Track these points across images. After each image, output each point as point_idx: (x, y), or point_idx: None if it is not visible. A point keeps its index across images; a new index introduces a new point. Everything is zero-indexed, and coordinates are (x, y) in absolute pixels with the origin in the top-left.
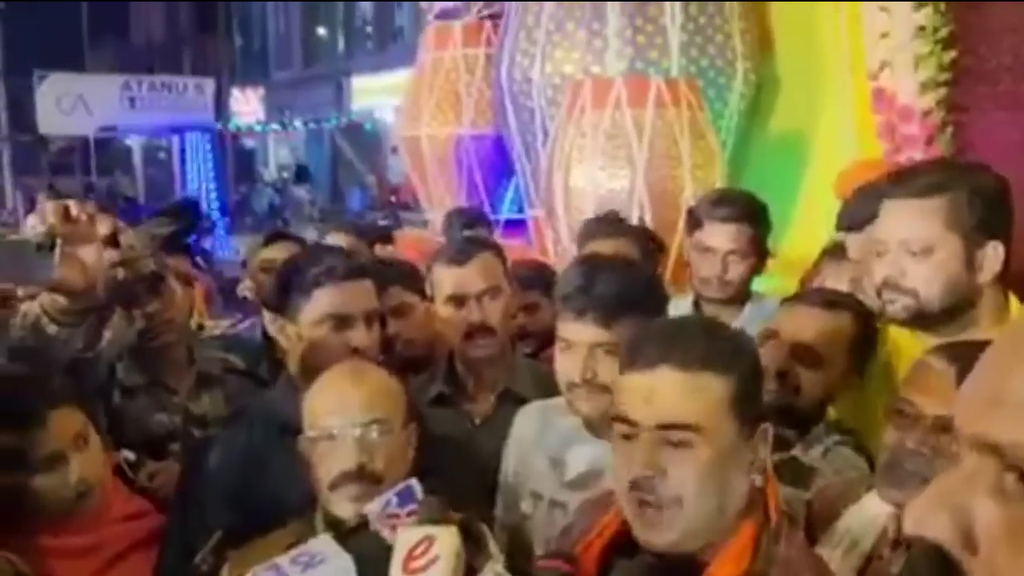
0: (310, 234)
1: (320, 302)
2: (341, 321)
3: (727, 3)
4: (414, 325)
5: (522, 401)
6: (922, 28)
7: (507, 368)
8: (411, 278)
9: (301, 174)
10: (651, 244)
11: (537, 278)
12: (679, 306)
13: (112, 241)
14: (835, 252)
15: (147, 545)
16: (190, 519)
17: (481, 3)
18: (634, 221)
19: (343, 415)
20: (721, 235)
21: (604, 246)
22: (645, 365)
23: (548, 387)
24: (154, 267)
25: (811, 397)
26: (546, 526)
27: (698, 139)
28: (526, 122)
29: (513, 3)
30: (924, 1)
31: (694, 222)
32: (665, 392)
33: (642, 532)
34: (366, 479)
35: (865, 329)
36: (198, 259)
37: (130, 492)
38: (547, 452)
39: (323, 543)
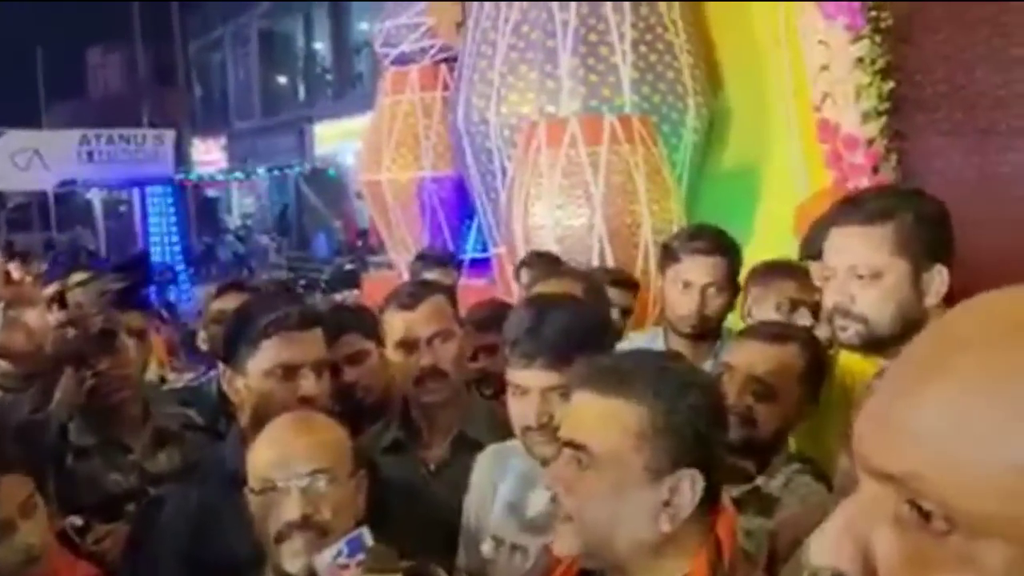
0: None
1: (268, 352)
2: (290, 371)
3: (675, 41)
4: (371, 372)
5: (477, 445)
6: (860, 60)
7: (462, 412)
8: (367, 325)
9: (284, 212)
10: (598, 284)
11: (495, 319)
12: (634, 340)
13: (59, 300)
14: (756, 277)
15: None
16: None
17: (436, 46)
18: (594, 257)
19: (287, 466)
20: (700, 268)
21: (549, 286)
22: (574, 384)
23: (505, 429)
24: (105, 323)
25: (768, 429)
26: (508, 570)
27: (654, 174)
28: (485, 163)
29: (467, 46)
30: (861, 27)
31: (670, 257)
32: (577, 412)
33: (554, 541)
34: (312, 530)
35: (814, 358)
36: (161, 311)
37: (75, 558)
38: (506, 495)
39: None
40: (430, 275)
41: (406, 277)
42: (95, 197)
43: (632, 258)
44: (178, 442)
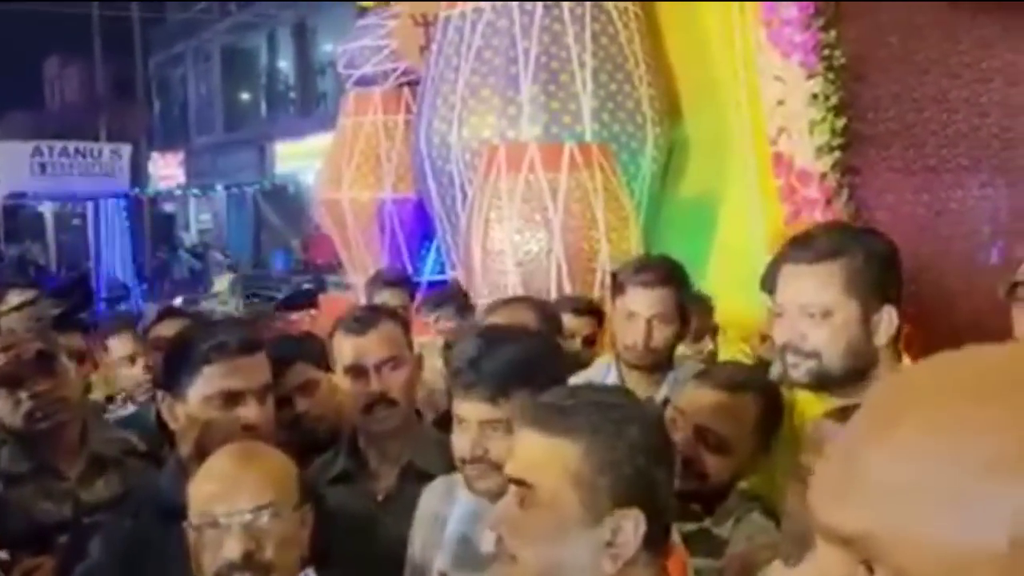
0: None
1: (209, 379)
2: (231, 398)
3: (635, 71)
4: (322, 402)
5: (427, 476)
6: (815, 96)
7: (412, 441)
8: (316, 353)
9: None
10: (553, 313)
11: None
12: (588, 372)
13: None
14: None
15: None
16: None
17: (399, 69)
18: (552, 283)
19: (229, 501)
20: (645, 300)
21: (501, 316)
22: (517, 421)
23: (455, 462)
24: (43, 345)
25: (719, 481)
26: None
27: (612, 201)
28: (445, 186)
29: (430, 70)
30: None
31: (618, 288)
32: (520, 449)
33: None
34: (254, 569)
35: (770, 406)
36: None
37: None
38: (455, 530)
39: None
40: (382, 296)
41: (363, 298)
42: (47, 210)
43: (590, 285)
44: (117, 469)
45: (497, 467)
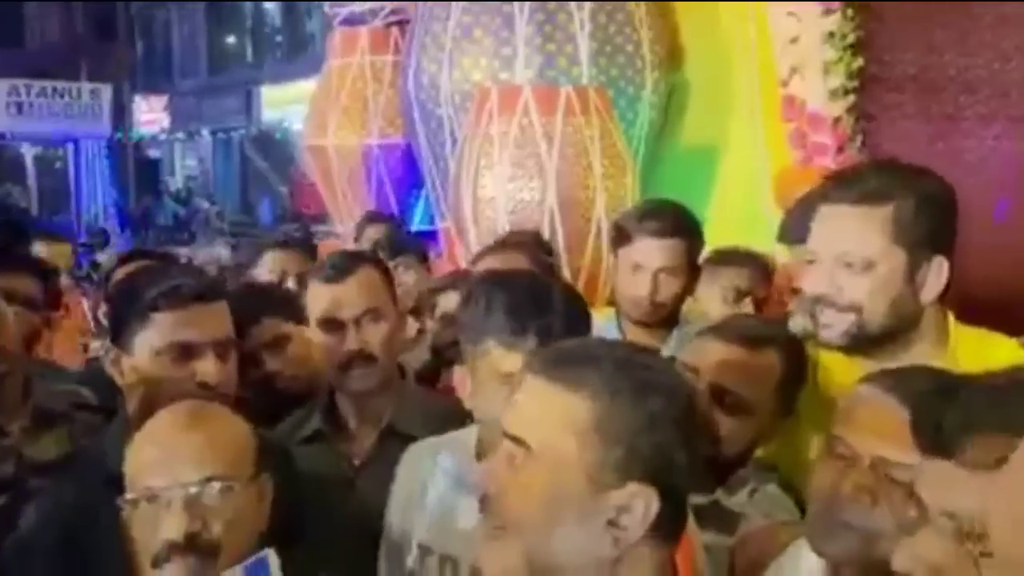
0: (220, 249)
1: (159, 329)
2: (185, 352)
3: (635, 12)
4: (294, 359)
5: (409, 439)
6: (831, 34)
7: (393, 401)
8: (286, 306)
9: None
10: (547, 254)
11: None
12: (597, 327)
13: None
14: (703, 264)
15: None
16: None
17: (388, 7)
18: (545, 232)
19: (168, 470)
20: (653, 251)
21: (495, 261)
22: (526, 370)
23: (440, 423)
24: None
25: (736, 447)
26: None
27: (609, 149)
28: (434, 131)
29: (420, 9)
30: (833, 2)
31: (622, 237)
32: (522, 401)
33: (484, 563)
34: (199, 551)
35: (794, 364)
36: (90, 273)
37: None
38: (436, 498)
39: None
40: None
41: (351, 246)
42: (27, 152)
43: (584, 234)
44: (67, 425)
45: None
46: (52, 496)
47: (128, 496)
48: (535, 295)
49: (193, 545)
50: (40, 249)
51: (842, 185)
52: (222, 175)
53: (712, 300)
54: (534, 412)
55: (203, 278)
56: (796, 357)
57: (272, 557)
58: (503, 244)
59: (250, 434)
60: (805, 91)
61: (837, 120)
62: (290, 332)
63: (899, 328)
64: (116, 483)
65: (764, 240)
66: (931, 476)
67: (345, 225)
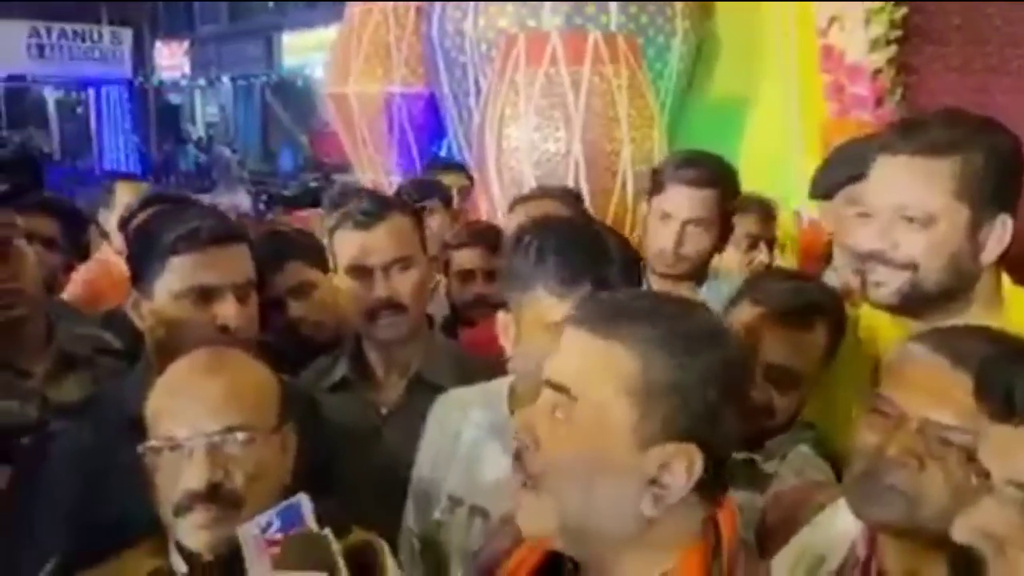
0: (241, 197)
1: (179, 272)
2: (205, 295)
3: None
4: (319, 306)
5: (437, 389)
6: None
7: (421, 350)
8: (312, 251)
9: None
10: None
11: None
12: None
13: None
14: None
15: None
16: (18, 534)
17: None
18: (570, 184)
19: (191, 420)
20: (684, 201)
21: (530, 211)
22: (569, 322)
23: (469, 374)
24: None
25: (785, 418)
26: (465, 535)
27: (637, 99)
28: (459, 79)
29: None
30: None
31: (656, 184)
32: (565, 351)
33: (519, 519)
34: (221, 502)
35: (839, 328)
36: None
37: None
38: (467, 451)
39: None
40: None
41: None
42: (49, 96)
43: (609, 186)
44: (89, 368)
45: None
46: (74, 438)
47: (150, 444)
48: (589, 243)
49: (215, 495)
50: (122, 192)
51: (905, 134)
52: (242, 123)
53: (726, 248)
54: (578, 364)
55: (223, 220)
56: (839, 320)
57: (305, 502)
58: (538, 194)
59: (274, 383)
60: (844, 41)
61: (877, 72)
62: (315, 278)
63: (954, 288)
64: (138, 427)
65: (793, 195)
66: (997, 443)
67: (366, 174)
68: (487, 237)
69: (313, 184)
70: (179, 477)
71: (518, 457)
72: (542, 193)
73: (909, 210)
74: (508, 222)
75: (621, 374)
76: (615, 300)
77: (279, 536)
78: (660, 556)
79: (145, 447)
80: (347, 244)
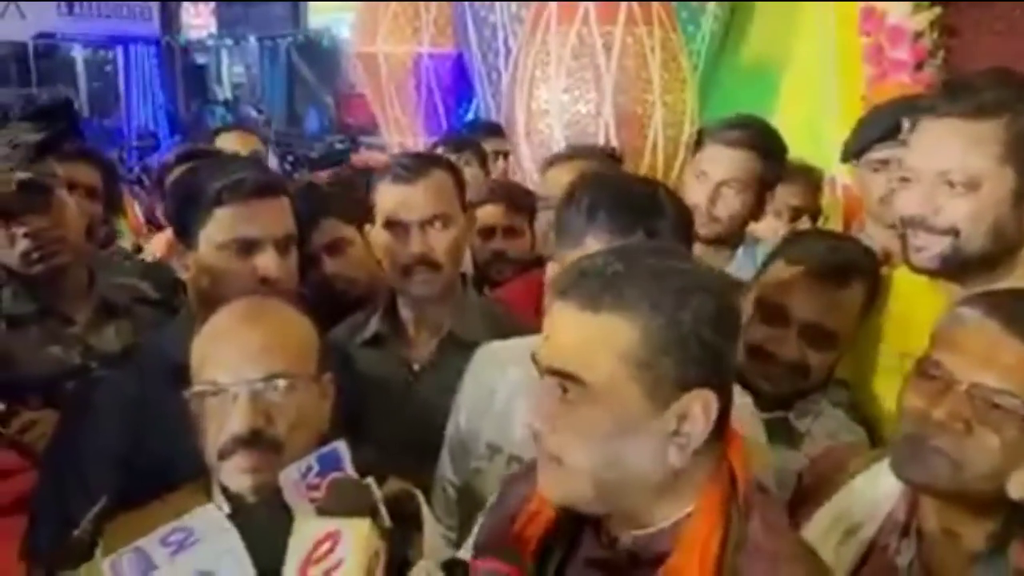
0: (269, 158)
1: (221, 223)
2: (247, 246)
3: None
4: (354, 262)
5: (469, 347)
6: None
7: (454, 308)
8: (350, 207)
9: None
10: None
11: (528, 201)
12: None
13: None
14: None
15: (14, 510)
16: (67, 478)
17: None
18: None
19: (234, 367)
20: (720, 160)
21: (566, 170)
22: (553, 294)
23: (501, 331)
24: (31, 175)
25: (819, 377)
26: None
27: (670, 61)
28: (488, 39)
29: None
30: None
31: (697, 143)
32: (559, 332)
33: (540, 485)
34: (262, 447)
35: (874, 286)
36: (140, 176)
37: None
38: (503, 405)
39: (205, 517)
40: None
41: None
42: (78, 55)
43: (639, 150)
44: (128, 317)
45: None
46: (118, 385)
47: (194, 389)
48: (641, 196)
49: (257, 440)
50: (225, 140)
51: (951, 96)
52: (268, 83)
53: (767, 219)
54: (576, 344)
55: (266, 172)
56: (875, 280)
57: (343, 448)
58: (574, 153)
59: (313, 332)
60: (886, 2)
61: (919, 35)
62: (350, 235)
63: (997, 254)
64: (180, 375)
65: (827, 161)
66: None
67: (392, 135)
68: (509, 194)
69: (339, 146)
70: (223, 422)
71: (536, 439)
72: (577, 153)
73: (952, 175)
74: (542, 181)
75: (623, 346)
76: (592, 268)
77: (318, 481)
78: (684, 498)
79: (190, 392)
80: (386, 197)
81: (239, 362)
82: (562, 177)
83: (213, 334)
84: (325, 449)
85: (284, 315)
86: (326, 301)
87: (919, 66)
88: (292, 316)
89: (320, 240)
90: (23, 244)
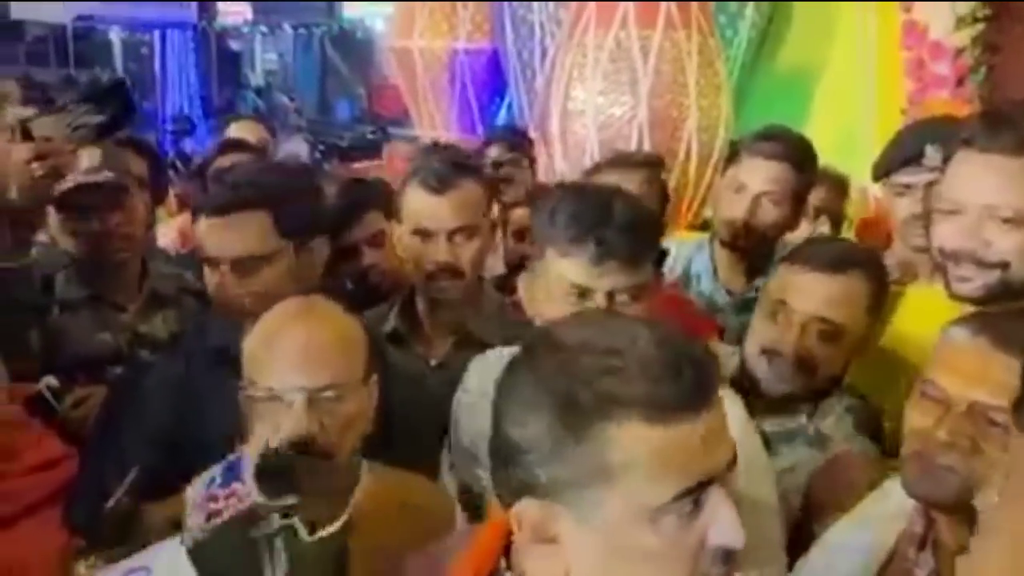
0: (300, 145)
1: (200, 235)
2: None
3: None
4: (390, 255)
5: (485, 347)
6: None
7: (472, 309)
8: (391, 201)
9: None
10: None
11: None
12: (681, 249)
13: (23, 133)
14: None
15: (59, 499)
16: (107, 455)
17: None
18: (632, 148)
19: (289, 375)
20: (759, 172)
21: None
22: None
23: (515, 332)
24: (115, 178)
25: (828, 374)
26: None
27: (706, 67)
28: (525, 38)
29: None
30: None
31: (733, 155)
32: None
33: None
34: (315, 452)
35: (881, 285)
36: (175, 162)
37: (44, 430)
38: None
39: (164, 555)
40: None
41: None
42: (115, 37)
43: (673, 153)
44: (175, 306)
45: None
46: (165, 368)
47: (248, 392)
48: (593, 207)
49: (311, 447)
50: (238, 128)
51: (991, 130)
52: (301, 72)
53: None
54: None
55: (248, 187)
56: (881, 277)
57: (247, 458)
58: (617, 160)
59: (363, 335)
60: (928, 17)
61: (960, 51)
62: (388, 229)
63: None
64: (223, 362)
65: (860, 170)
66: None
67: (425, 129)
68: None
69: (370, 136)
70: (274, 424)
71: None
72: (620, 160)
73: (1001, 210)
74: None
75: None
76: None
77: (219, 492)
78: None
79: (245, 395)
80: (414, 204)
81: (294, 369)
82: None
83: (265, 337)
84: (230, 459)
85: (335, 319)
86: (361, 291)
87: (960, 82)
88: (343, 320)
89: (362, 232)
90: (94, 238)
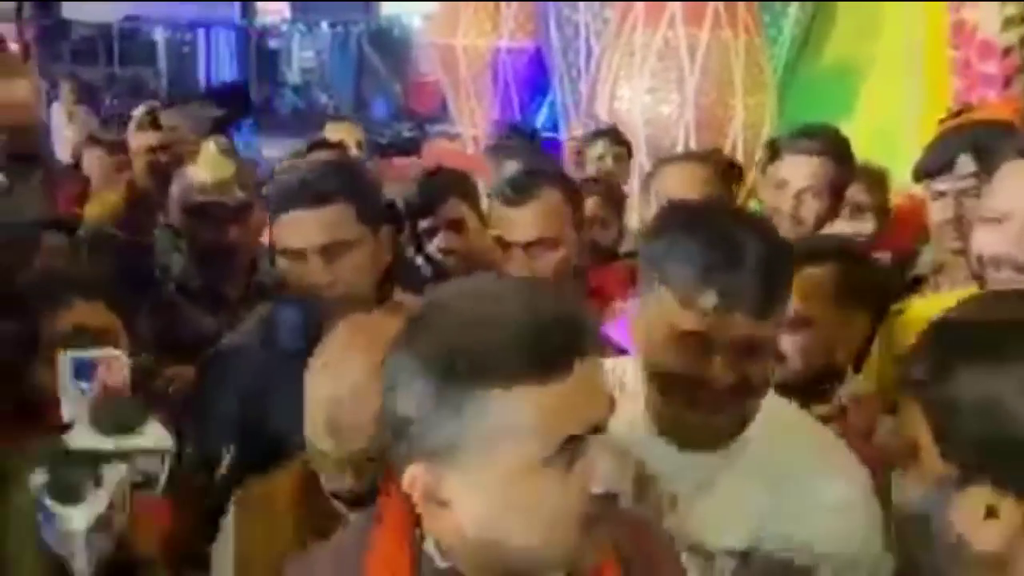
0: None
1: (278, 230)
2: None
3: None
4: (467, 242)
5: None
6: None
7: None
8: (471, 192)
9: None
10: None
11: (620, 195)
12: None
13: (152, 123)
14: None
15: None
16: (204, 428)
17: None
18: (679, 148)
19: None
20: (800, 168)
21: (672, 175)
22: None
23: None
24: (246, 197)
25: (800, 364)
26: None
27: (752, 66)
28: (570, 37)
29: None
30: None
31: (772, 154)
32: None
33: None
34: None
35: (852, 276)
36: None
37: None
38: None
39: None
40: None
41: (470, 149)
42: (159, 36)
43: (719, 152)
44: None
45: None
46: (248, 355)
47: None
48: (721, 239)
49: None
50: (330, 130)
51: None
52: (338, 69)
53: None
54: None
55: (315, 182)
56: (851, 269)
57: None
58: (686, 155)
59: None
60: (977, 16)
61: (1008, 50)
62: (469, 218)
63: None
64: (297, 357)
65: (903, 167)
66: None
67: (465, 126)
68: (605, 188)
69: (408, 133)
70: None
71: None
72: (685, 157)
73: None
74: (651, 183)
75: None
76: None
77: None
78: None
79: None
80: (495, 216)
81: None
82: (669, 179)
83: (328, 371)
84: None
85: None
86: (436, 273)
87: (1007, 82)
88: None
89: (444, 216)
90: (210, 244)
